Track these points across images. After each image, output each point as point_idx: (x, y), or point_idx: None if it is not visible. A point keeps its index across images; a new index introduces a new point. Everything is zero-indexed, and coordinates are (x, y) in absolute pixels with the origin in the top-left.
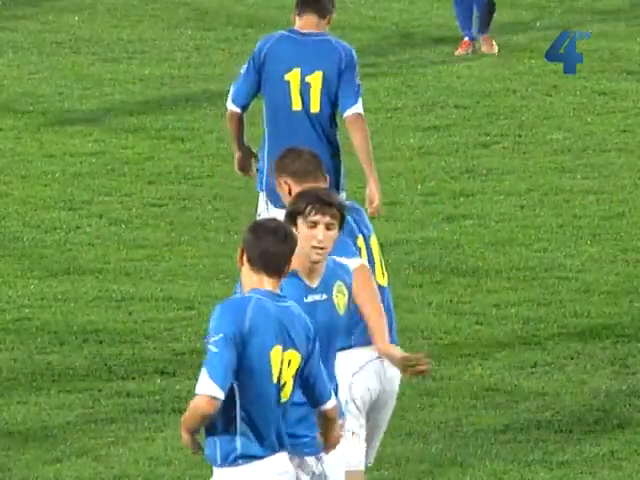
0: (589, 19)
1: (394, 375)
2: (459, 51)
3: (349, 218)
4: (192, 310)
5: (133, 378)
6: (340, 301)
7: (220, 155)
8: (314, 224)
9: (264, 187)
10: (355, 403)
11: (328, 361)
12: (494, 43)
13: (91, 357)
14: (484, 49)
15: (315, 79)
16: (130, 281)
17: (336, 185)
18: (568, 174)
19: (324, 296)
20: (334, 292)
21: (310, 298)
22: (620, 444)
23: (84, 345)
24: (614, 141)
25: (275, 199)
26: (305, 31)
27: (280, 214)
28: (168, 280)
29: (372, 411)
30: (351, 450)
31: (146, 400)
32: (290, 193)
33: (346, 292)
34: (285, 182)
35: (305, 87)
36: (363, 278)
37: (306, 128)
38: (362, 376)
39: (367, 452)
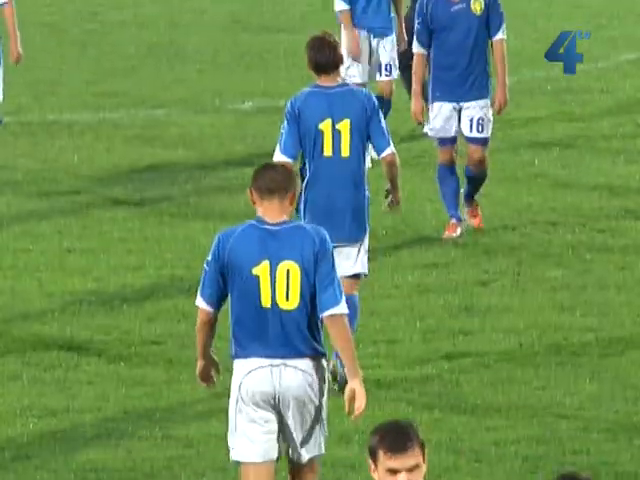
0: (588, 157)
1: (290, 383)
2: (447, 234)
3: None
4: (191, 448)
5: None
6: None
7: None
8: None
9: None
10: (244, 401)
11: None
12: (479, 213)
13: None
14: (469, 222)
15: (344, 126)
16: (129, 419)
17: (363, 219)
18: (567, 312)
19: None
20: None
21: None
22: None
23: None
24: (613, 278)
25: None
26: (327, 84)
27: None
28: (167, 418)
29: (281, 410)
30: (243, 445)
31: None
32: (254, 203)
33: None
34: (252, 192)
35: (337, 135)
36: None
37: (337, 171)
38: (251, 378)
39: (295, 449)
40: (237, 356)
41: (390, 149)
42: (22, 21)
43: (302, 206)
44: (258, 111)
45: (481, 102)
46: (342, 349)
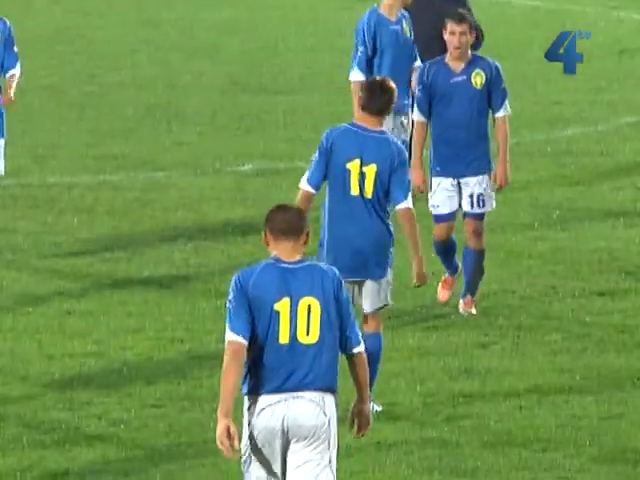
0: (588, 220)
1: (298, 414)
2: (441, 293)
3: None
4: None
5: None
6: None
7: (219, 356)
8: None
9: (324, 260)
10: (257, 446)
11: None
12: (473, 306)
13: None
14: (461, 309)
15: (370, 170)
16: None
17: (386, 257)
18: (567, 374)
19: None
20: None
21: None
22: None
23: None
24: (613, 341)
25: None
26: (366, 126)
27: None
28: None
29: (293, 447)
30: None
31: None
32: (267, 244)
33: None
34: (266, 233)
35: (362, 176)
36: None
37: (361, 210)
38: (262, 417)
39: None
40: (252, 393)
41: (406, 203)
42: (20, 84)
43: (325, 241)
44: (257, 173)
45: (480, 177)
46: (362, 382)
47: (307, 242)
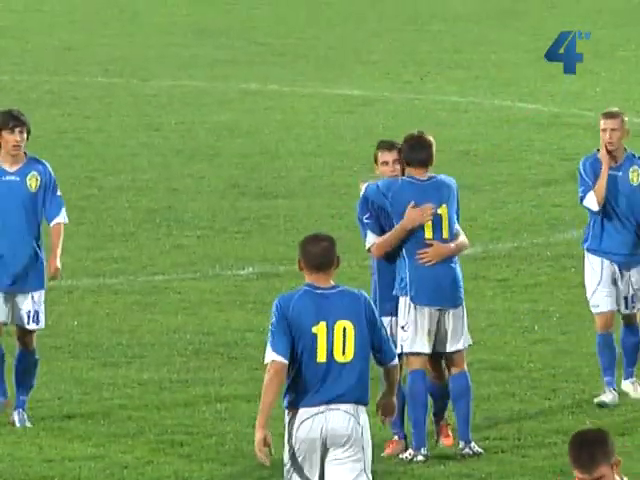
0: (588, 323)
1: (335, 424)
2: (387, 451)
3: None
4: None
5: None
6: None
7: (219, 460)
8: None
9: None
10: (299, 452)
11: None
12: (449, 433)
13: None
14: (441, 441)
15: (444, 210)
16: None
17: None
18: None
19: None
20: None
21: None
22: None
23: None
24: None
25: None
26: (420, 177)
27: (422, 312)
28: None
29: (331, 454)
30: None
31: None
32: (301, 270)
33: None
34: (300, 263)
35: (437, 219)
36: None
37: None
38: (303, 429)
39: None
40: (292, 406)
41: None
42: None
43: (407, 278)
44: (257, 277)
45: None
46: (393, 383)
47: (338, 266)
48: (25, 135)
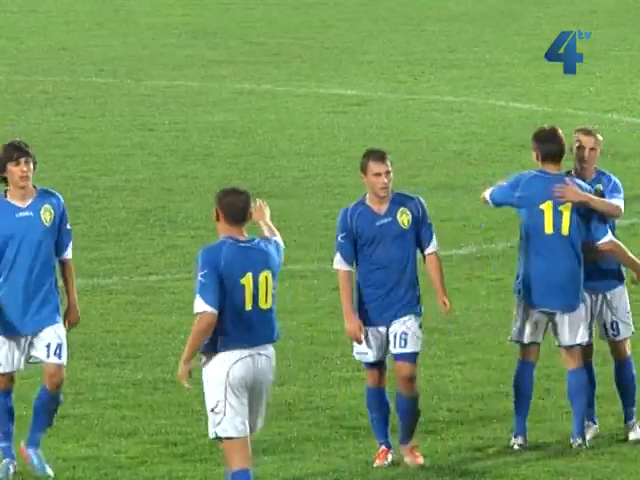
0: None
1: (264, 368)
2: (377, 462)
3: None
4: None
5: None
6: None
7: (213, 459)
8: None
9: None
10: (233, 388)
11: None
12: (418, 454)
13: None
14: (407, 460)
15: (566, 208)
16: None
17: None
18: (561, 477)
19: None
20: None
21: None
22: None
23: None
24: (606, 443)
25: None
26: (551, 171)
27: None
28: None
29: (252, 392)
30: (231, 423)
31: None
32: (218, 221)
33: None
34: (218, 215)
35: (557, 214)
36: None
37: (558, 247)
38: (237, 368)
39: (254, 420)
40: (220, 349)
41: (608, 236)
42: None
43: (520, 277)
44: None
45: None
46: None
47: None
48: (31, 165)
